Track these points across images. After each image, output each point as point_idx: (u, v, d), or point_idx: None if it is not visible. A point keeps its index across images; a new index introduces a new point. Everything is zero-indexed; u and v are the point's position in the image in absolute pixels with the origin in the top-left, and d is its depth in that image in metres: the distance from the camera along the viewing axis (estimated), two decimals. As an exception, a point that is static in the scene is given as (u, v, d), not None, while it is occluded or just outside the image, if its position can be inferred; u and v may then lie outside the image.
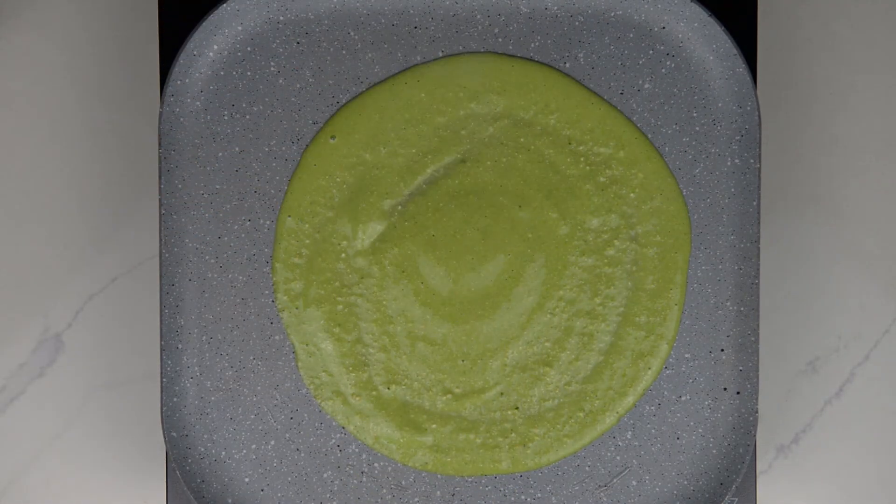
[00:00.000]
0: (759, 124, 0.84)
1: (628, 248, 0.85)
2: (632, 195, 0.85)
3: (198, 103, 0.85)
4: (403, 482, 0.85)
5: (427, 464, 0.85)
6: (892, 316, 0.93)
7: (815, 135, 0.92)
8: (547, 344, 0.85)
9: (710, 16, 0.83)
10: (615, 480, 0.85)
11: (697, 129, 0.85)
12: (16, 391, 0.93)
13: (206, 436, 0.85)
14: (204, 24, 0.84)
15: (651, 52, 0.85)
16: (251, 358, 0.85)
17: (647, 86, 0.85)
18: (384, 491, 0.85)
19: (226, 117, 0.85)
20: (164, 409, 0.84)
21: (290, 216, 0.85)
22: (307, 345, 0.85)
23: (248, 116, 0.85)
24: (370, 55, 0.85)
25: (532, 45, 0.85)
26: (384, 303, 0.85)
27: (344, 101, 0.86)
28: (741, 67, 0.84)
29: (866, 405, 0.93)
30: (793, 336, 0.93)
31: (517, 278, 0.85)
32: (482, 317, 0.85)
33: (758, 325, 0.84)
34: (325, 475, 0.85)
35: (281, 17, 0.85)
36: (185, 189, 0.85)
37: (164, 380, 0.84)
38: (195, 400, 0.85)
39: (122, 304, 0.93)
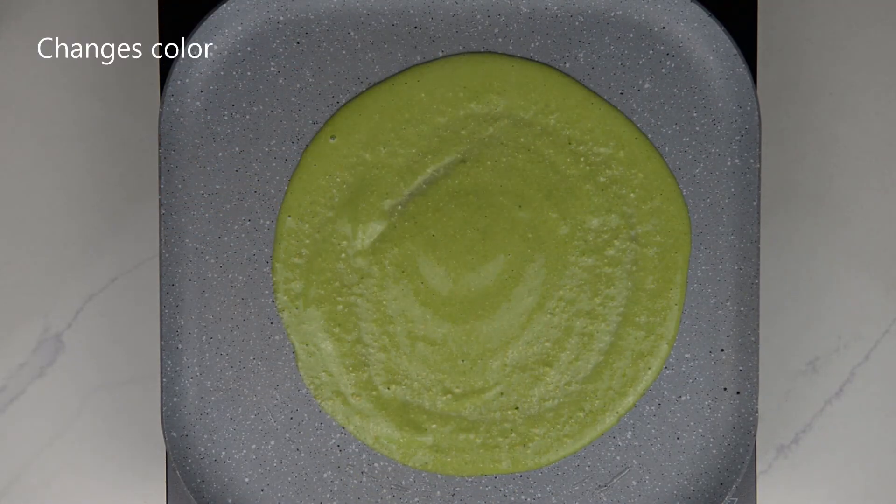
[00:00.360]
0: (759, 124, 0.84)
1: (628, 248, 0.85)
2: (632, 195, 0.85)
3: (198, 103, 0.85)
4: (403, 482, 0.85)
5: (427, 464, 0.85)
6: (892, 316, 0.93)
7: (815, 135, 0.92)
8: (547, 344, 0.85)
9: (709, 16, 0.83)
10: (615, 480, 0.85)
11: (697, 129, 0.85)
12: (16, 391, 0.93)
13: (206, 436, 0.85)
14: (204, 24, 0.84)
15: (651, 52, 0.85)
16: (251, 358, 0.85)
17: (647, 86, 0.85)
18: (384, 491, 0.85)
19: (226, 117, 0.85)
20: (164, 408, 0.84)
21: (290, 216, 0.85)
22: (307, 345, 0.85)
23: (248, 116, 0.85)
24: (370, 55, 0.85)
25: (532, 45, 0.85)
26: (384, 303, 0.85)
27: (344, 101, 0.86)
28: (741, 67, 0.83)
29: (866, 405, 0.93)
30: (793, 336, 0.92)
31: (517, 278, 0.85)
32: (482, 317, 0.85)
33: (758, 325, 0.84)
34: (325, 475, 0.85)
35: (281, 17, 0.85)
36: (185, 189, 0.85)
37: (164, 380, 0.84)
38: (195, 400, 0.85)
39: (122, 304, 0.93)
